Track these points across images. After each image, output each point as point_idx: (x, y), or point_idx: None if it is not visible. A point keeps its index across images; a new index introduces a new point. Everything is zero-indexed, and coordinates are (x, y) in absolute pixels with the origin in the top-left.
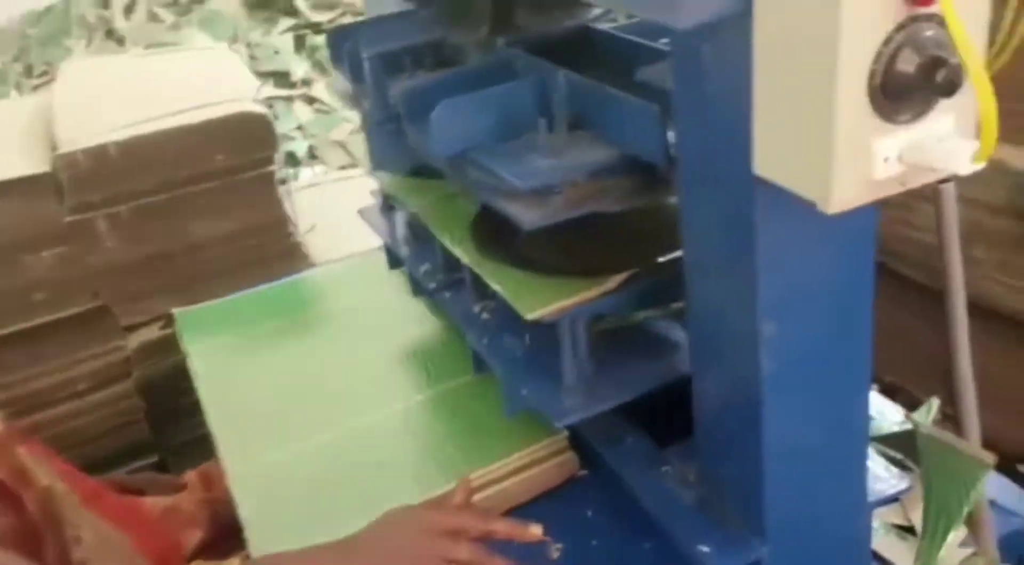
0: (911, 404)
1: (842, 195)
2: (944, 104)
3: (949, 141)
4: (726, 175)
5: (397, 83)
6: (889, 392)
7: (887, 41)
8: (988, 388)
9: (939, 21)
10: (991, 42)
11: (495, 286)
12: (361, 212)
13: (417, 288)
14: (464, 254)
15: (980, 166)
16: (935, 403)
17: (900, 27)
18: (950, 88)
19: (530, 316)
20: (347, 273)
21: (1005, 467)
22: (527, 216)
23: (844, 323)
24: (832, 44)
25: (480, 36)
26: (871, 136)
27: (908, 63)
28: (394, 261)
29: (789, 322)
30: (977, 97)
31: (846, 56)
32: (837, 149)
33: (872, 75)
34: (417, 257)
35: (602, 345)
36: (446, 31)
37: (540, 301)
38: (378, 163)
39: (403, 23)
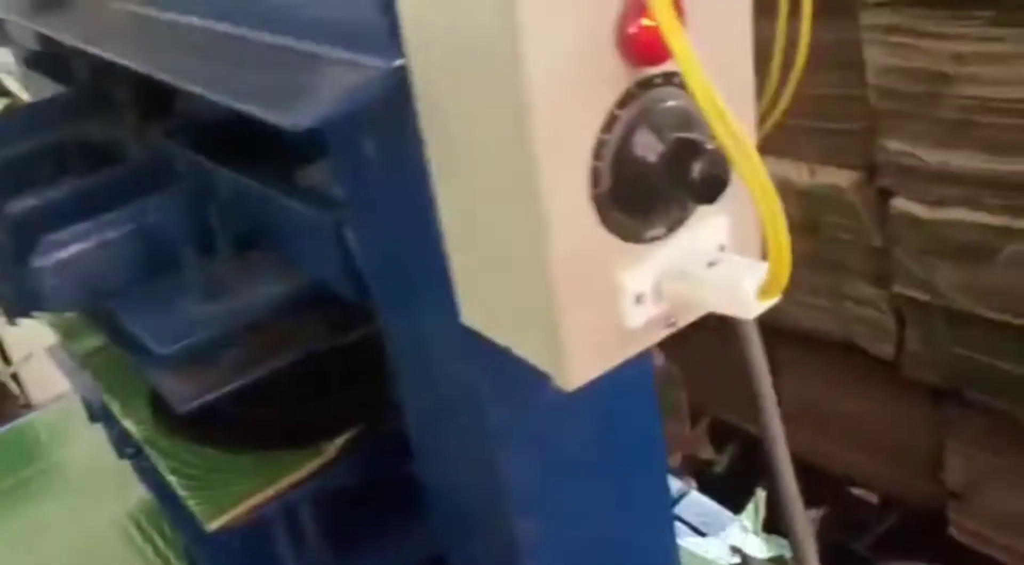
0: (720, 430)
1: (582, 362)
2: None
3: (724, 268)
4: (431, 321)
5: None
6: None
7: (610, 123)
8: (802, 410)
9: (684, 83)
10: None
11: (168, 477)
12: (51, 351)
13: (118, 450)
14: (135, 426)
15: (772, 302)
16: (761, 497)
17: (627, 99)
18: (712, 187)
19: (213, 525)
20: (63, 420)
21: (837, 490)
22: (179, 392)
23: (634, 499)
24: (523, 134)
25: (129, 126)
26: (611, 267)
27: (648, 151)
28: (93, 414)
29: (555, 515)
30: (754, 201)
31: (548, 151)
32: (560, 294)
33: (596, 177)
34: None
35: (343, 518)
36: (89, 122)
37: (230, 495)
38: (12, 307)
39: (37, 116)
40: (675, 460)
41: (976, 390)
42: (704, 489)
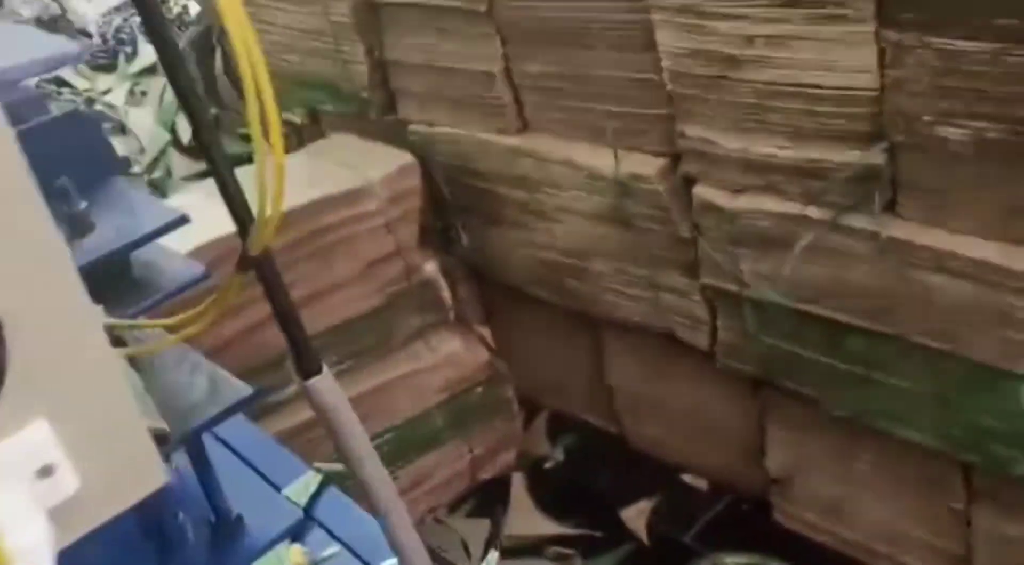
0: (557, 423)
1: None
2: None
3: None
4: None
5: None
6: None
7: None
8: (631, 400)
9: None
10: None
11: None
12: None
13: None
14: None
15: None
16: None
17: None
18: None
19: None
20: None
21: (668, 478)
22: None
23: None
24: None
25: None
26: None
27: None
28: None
29: None
30: None
31: None
32: None
33: None
34: None
35: None
36: None
37: None
38: None
39: None
40: (509, 457)
41: (787, 379)
42: (534, 489)
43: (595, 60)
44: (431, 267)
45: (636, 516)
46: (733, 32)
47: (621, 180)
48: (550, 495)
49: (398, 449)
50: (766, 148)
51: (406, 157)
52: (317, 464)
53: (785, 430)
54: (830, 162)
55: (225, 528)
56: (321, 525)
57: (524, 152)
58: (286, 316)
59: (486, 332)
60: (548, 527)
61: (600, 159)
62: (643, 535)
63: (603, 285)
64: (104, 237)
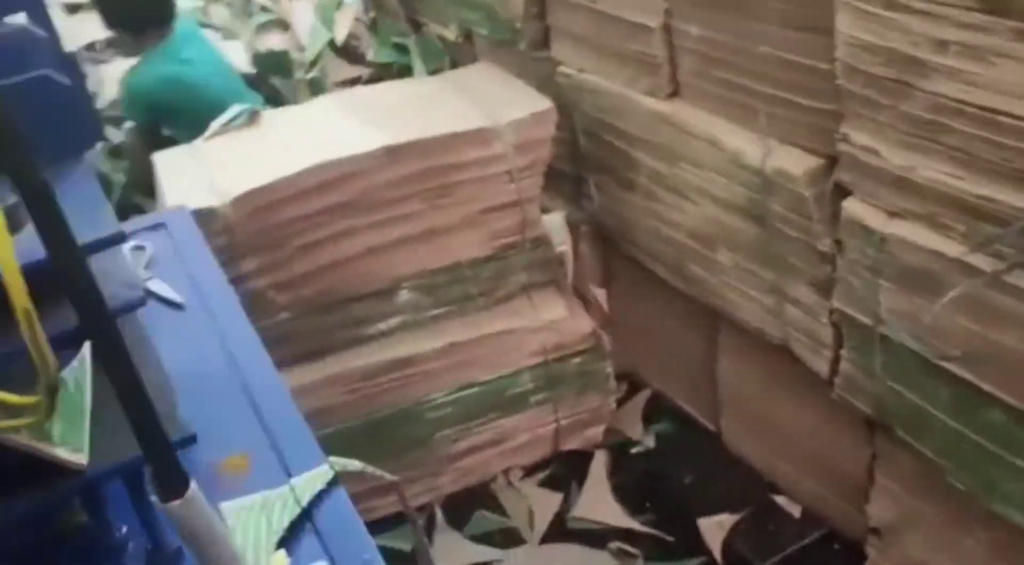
0: (658, 405)
1: None
2: None
3: None
4: None
5: None
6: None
7: None
8: (738, 403)
9: None
10: None
11: None
12: None
13: None
14: None
15: None
16: None
17: None
18: None
19: None
20: None
21: (760, 495)
22: None
23: None
24: None
25: None
26: None
27: None
28: None
29: None
30: None
31: None
32: None
33: None
34: None
35: None
36: None
37: None
38: None
39: None
40: (596, 433)
41: (907, 432)
42: (615, 472)
43: (761, 34)
44: (553, 221)
45: (715, 528)
46: (925, 32)
47: (766, 173)
48: (629, 483)
49: (481, 404)
50: (936, 173)
51: (544, 103)
52: (333, 459)
53: (895, 482)
54: (1008, 206)
55: (160, 560)
56: (316, 531)
57: (669, 120)
58: (146, 425)
59: (602, 295)
60: (619, 518)
61: (748, 145)
62: (717, 551)
63: (725, 279)
64: (28, 244)
